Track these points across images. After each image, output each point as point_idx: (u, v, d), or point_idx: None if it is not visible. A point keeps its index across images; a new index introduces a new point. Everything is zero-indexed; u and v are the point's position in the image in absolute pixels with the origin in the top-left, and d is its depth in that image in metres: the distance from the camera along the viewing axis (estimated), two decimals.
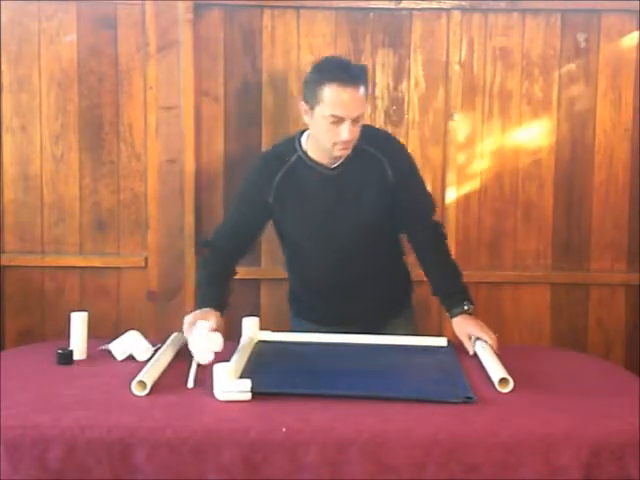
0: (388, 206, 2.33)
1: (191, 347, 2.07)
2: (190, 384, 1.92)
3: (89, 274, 3.03)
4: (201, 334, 2.06)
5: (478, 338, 2.18)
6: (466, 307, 2.26)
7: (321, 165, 2.27)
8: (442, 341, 2.30)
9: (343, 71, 2.14)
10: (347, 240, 2.32)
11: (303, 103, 2.20)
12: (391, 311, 2.48)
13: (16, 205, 3.00)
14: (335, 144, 2.17)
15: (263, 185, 2.30)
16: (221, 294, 2.27)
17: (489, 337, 2.17)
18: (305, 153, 2.28)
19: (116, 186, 3.00)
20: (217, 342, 2.04)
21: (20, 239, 3.02)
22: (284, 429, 1.66)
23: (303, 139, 2.31)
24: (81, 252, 3.03)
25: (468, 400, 1.82)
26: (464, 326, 2.23)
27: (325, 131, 2.16)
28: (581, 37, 2.95)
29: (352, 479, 1.64)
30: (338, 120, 2.13)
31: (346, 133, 2.13)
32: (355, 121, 2.14)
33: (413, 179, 2.38)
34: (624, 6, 2.91)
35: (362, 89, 2.15)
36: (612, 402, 1.85)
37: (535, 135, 2.98)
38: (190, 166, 2.94)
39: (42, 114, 2.97)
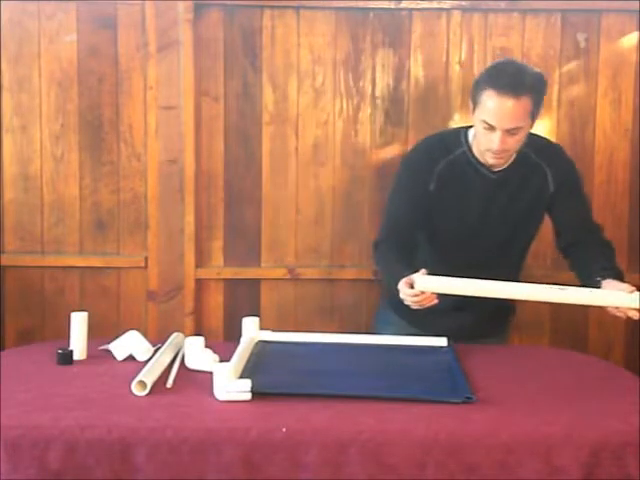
0: (540, 216, 2.31)
1: (187, 362, 2.09)
2: (169, 384, 1.93)
3: (89, 274, 3.03)
4: (197, 350, 2.08)
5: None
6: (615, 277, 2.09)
7: (484, 166, 2.21)
8: (442, 341, 2.30)
9: (503, 78, 2.05)
10: (490, 243, 2.30)
11: (470, 101, 2.17)
12: (492, 328, 2.44)
13: (16, 205, 3.00)
14: (487, 150, 2.13)
15: (425, 172, 2.24)
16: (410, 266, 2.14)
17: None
18: (470, 149, 2.23)
19: (116, 186, 3.00)
20: (212, 358, 2.05)
21: (20, 239, 3.02)
22: (284, 429, 1.66)
23: (470, 134, 2.25)
24: (81, 252, 3.03)
25: (468, 400, 1.82)
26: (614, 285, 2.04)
27: (480, 135, 2.13)
28: (581, 37, 2.95)
29: (352, 479, 1.64)
30: (490, 127, 2.07)
31: (496, 143, 2.07)
32: (511, 132, 2.07)
33: (575, 194, 2.31)
34: (624, 6, 2.91)
35: (525, 100, 2.05)
36: (612, 402, 1.85)
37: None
38: (190, 166, 2.94)
39: (42, 114, 2.97)
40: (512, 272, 2.43)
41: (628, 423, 1.71)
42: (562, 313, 3.05)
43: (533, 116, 2.11)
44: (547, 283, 2.99)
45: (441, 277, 1.98)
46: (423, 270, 2.03)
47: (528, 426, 1.71)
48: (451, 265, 2.30)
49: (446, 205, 2.27)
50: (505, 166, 2.22)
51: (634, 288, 2.02)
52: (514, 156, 2.23)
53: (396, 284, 2.07)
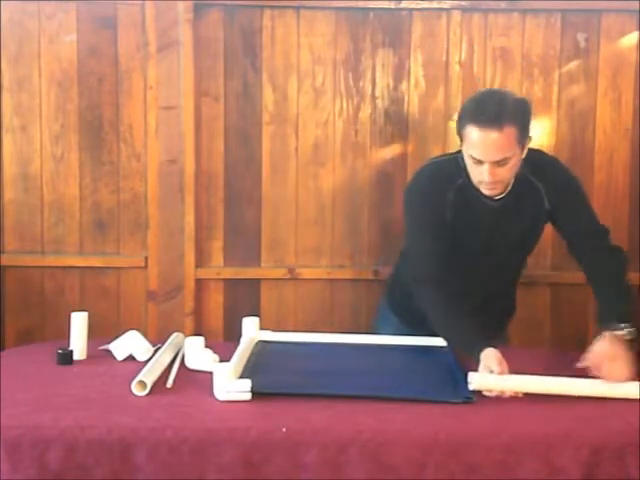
0: (539, 233, 2.30)
1: (187, 362, 2.10)
2: (169, 384, 1.93)
3: (89, 274, 3.03)
4: (197, 350, 2.08)
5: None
6: (617, 330, 1.99)
7: (484, 195, 2.17)
8: (442, 341, 2.29)
9: (484, 111, 2.00)
10: (492, 264, 2.29)
11: (457, 135, 2.12)
12: (492, 330, 2.35)
13: (16, 205, 3.00)
14: (480, 183, 2.10)
15: (439, 204, 2.19)
16: (476, 326, 2.10)
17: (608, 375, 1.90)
18: (469, 178, 2.16)
19: (116, 186, 3.00)
20: (212, 358, 2.05)
21: (20, 239, 3.02)
22: (284, 429, 1.66)
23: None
24: (81, 252, 3.03)
25: (468, 400, 1.82)
26: (601, 348, 1.96)
27: (471, 169, 2.10)
28: (581, 37, 2.95)
29: (352, 479, 1.64)
30: (478, 161, 2.05)
31: (486, 175, 2.05)
32: (500, 164, 2.04)
33: (573, 204, 2.24)
34: (624, 6, 2.91)
35: (509, 130, 2.00)
36: (612, 402, 1.85)
37: (535, 135, 2.96)
38: (190, 166, 2.94)
39: (42, 114, 2.97)
40: (511, 281, 2.44)
41: (628, 423, 1.71)
42: (562, 313, 3.05)
43: (521, 143, 2.07)
44: (547, 283, 3.01)
45: (494, 376, 1.91)
46: (494, 351, 1.98)
47: (528, 426, 1.71)
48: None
49: (457, 234, 2.23)
50: (505, 193, 2.19)
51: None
52: (512, 182, 2.18)
53: (462, 347, 2.10)
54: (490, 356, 1.96)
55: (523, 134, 2.06)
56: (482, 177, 2.08)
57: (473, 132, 2.02)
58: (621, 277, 2.19)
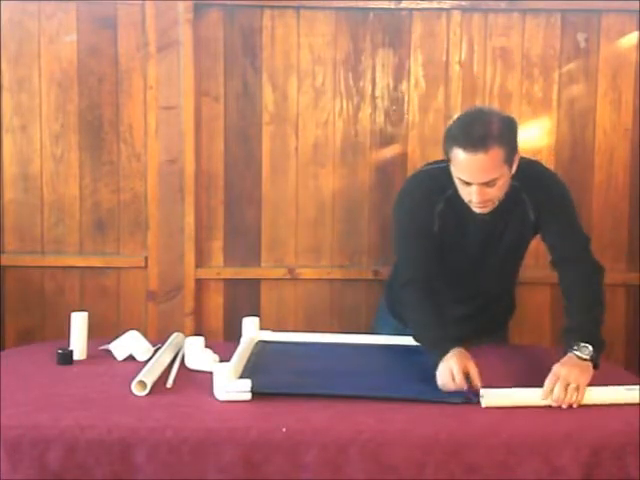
0: (528, 241, 2.30)
1: (187, 362, 2.10)
2: (169, 384, 1.93)
3: (89, 274, 3.03)
4: (197, 350, 2.08)
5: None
6: (577, 350, 1.95)
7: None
8: None
9: (469, 135, 1.99)
10: (485, 275, 2.30)
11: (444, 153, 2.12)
12: (491, 330, 2.42)
13: (16, 205, 3.00)
14: (470, 202, 2.10)
15: (427, 215, 2.19)
16: (448, 328, 2.08)
17: (557, 398, 1.83)
18: (457, 191, 2.15)
19: (116, 186, 3.00)
20: (212, 358, 2.05)
21: (20, 239, 3.02)
22: (284, 429, 1.66)
23: None
24: (81, 252, 3.03)
25: (468, 400, 1.82)
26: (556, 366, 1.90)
27: (460, 189, 2.10)
28: (581, 37, 2.95)
29: (352, 479, 1.64)
30: (466, 183, 2.05)
31: (475, 196, 2.05)
32: (488, 184, 2.03)
33: (556, 215, 2.22)
34: (624, 6, 2.91)
35: (495, 151, 1.98)
36: (612, 402, 1.85)
37: (535, 135, 2.97)
38: (190, 166, 2.94)
39: (42, 114, 2.96)
40: (506, 285, 2.45)
41: (628, 423, 1.71)
42: (562, 313, 3.04)
43: (509, 162, 2.06)
44: (547, 283, 3.01)
45: (506, 390, 1.88)
46: (463, 353, 1.97)
47: (528, 426, 1.71)
48: (449, 297, 2.28)
49: (446, 245, 2.24)
50: (494, 208, 2.17)
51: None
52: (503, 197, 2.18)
53: (431, 345, 2.05)
54: (459, 357, 1.93)
55: (510, 153, 2.04)
56: (470, 198, 2.09)
57: (459, 155, 2.01)
58: (594, 295, 2.15)
